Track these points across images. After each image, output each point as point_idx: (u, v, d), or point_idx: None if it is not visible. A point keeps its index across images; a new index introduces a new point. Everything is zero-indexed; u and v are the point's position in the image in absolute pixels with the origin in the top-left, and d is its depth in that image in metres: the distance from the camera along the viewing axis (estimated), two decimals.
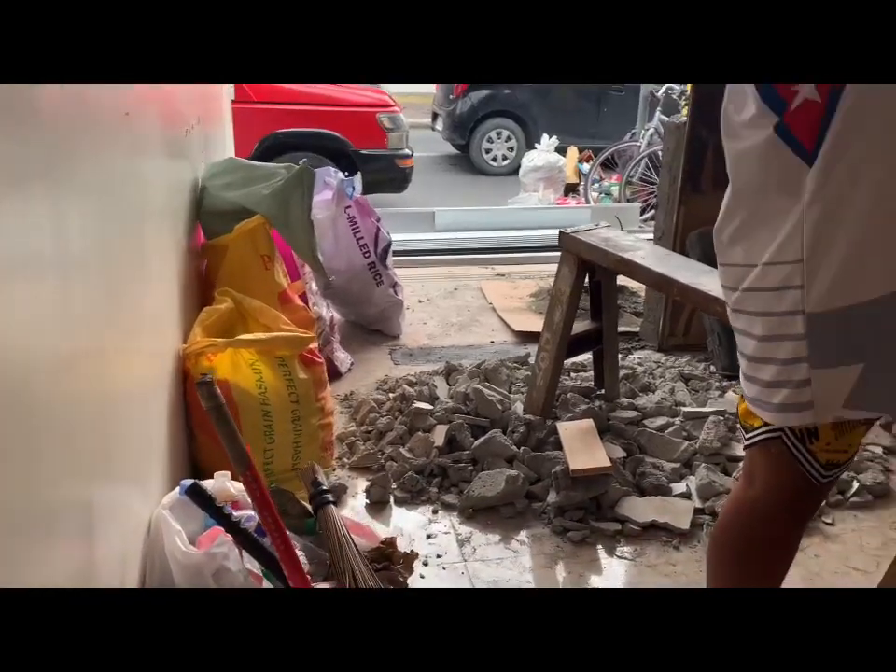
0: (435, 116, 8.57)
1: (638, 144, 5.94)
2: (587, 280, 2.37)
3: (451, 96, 7.98)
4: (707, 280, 1.95)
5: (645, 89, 6.37)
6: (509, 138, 7.95)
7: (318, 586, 1.38)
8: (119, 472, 1.33)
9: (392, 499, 2.11)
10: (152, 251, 1.68)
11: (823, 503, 1.97)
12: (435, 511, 2.07)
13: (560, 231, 2.31)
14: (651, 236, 3.27)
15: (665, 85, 5.84)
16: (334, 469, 2.21)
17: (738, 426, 2.32)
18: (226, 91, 3.75)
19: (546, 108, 7.80)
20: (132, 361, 1.45)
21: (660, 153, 4.06)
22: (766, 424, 1.17)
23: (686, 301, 2.08)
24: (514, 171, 6.81)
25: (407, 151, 5.75)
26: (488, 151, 7.97)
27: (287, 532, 1.41)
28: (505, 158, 7.95)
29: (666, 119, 4.78)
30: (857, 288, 1.00)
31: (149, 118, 1.71)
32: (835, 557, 1.94)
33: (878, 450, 2.36)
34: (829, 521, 2.07)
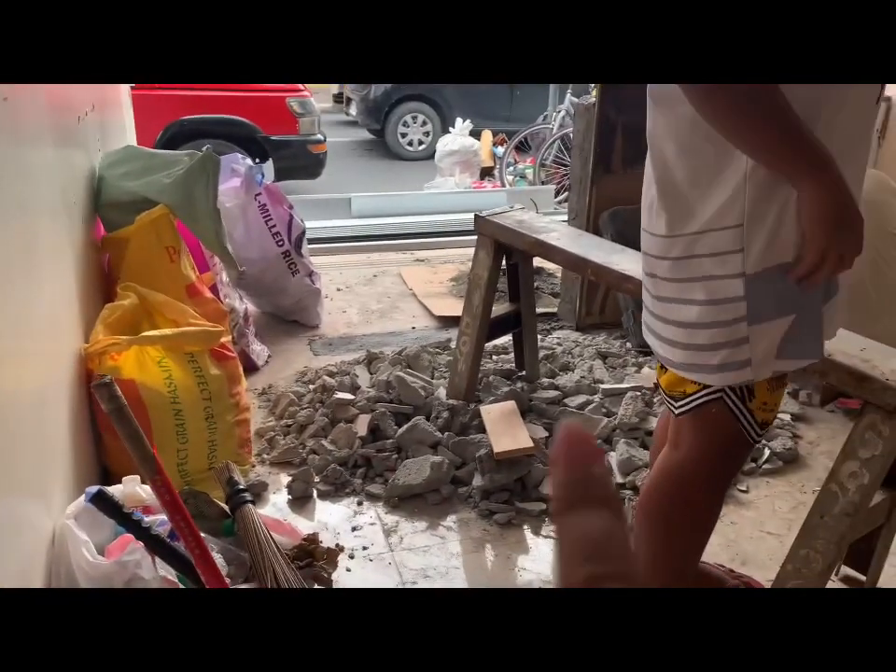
0: (348, 100, 8.42)
1: (550, 126, 5.99)
2: (504, 263, 2.37)
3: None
4: (619, 259, 1.97)
5: None
6: (424, 122, 7.89)
7: (238, 588, 1.33)
8: (15, 483, 1.24)
9: (315, 493, 2.06)
10: (44, 247, 1.58)
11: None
12: (360, 503, 2.04)
13: (475, 215, 2.30)
14: (566, 217, 3.31)
15: None
16: (254, 466, 2.15)
17: (657, 399, 2.37)
18: None
19: (460, 92, 7.77)
20: (24, 365, 1.36)
21: (571, 135, 4.10)
22: (703, 388, 1.20)
23: (600, 280, 2.10)
24: (431, 155, 6.76)
25: (319, 136, 5.63)
26: (404, 136, 7.90)
27: (204, 535, 1.36)
28: (421, 142, 7.89)
29: (577, 100, 4.83)
30: (787, 246, 1.07)
31: (33, 103, 1.59)
32: (750, 523, 2.01)
33: (787, 417, 2.45)
34: (743, 488, 2.14)
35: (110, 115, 2.83)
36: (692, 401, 1.23)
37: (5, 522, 1.16)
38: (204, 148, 2.18)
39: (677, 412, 1.27)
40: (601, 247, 2.11)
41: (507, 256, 2.35)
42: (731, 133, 1.03)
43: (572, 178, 3.23)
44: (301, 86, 5.72)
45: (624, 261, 1.95)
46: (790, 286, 1.09)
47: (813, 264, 1.06)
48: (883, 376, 1.44)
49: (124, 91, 3.45)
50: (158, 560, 1.32)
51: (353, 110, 8.25)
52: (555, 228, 2.19)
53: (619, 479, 2.12)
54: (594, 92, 3.19)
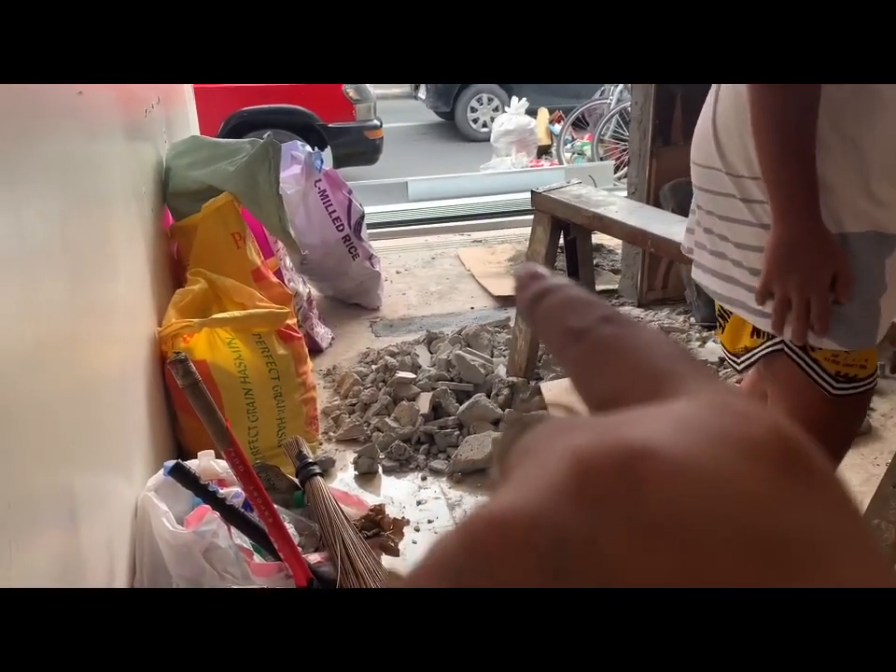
0: (416, 85, 8.49)
1: (608, 101, 5.90)
2: (562, 239, 2.37)
3: None
4: (680, 230, 1.94)
5: None
6: (491, 101, 7.87)
7: (309, 557, 1.38)
8: (101, 458, 1.32)
9: (380, 469, 2.11)
10: (119, 235, 1.66)
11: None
12: (424, 478, 2.08)
13: (532, 191, 2.30)
14: (626, 193, 3.27)
15: None
16: (321, 444, 2.21)
17: (723, 374, 2.34)
18: None
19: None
20: (105, 347, 1.44)
21: (629, 109, 4.04)
22: (763, 341, 1.17)
23: (661, 253, 2.08)
24: None
25: (376, 122, 5.68)
26: (474, 119, 7.91)
27: (276, 506, 1.42)
28: (491, 121, 7.90)
29: None
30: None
31: (104, 98, 1.67)
32: None
33: None
34: None
35: (174, 108, 2.93)
36: (752, 355, 1.20)
37: (93, 493, 1.24)
38: (266, 136, 2.24)
39: (739, 367, 1.25)
40: (661, 219, 2.09)
41: (564, 232, 2.35)
42: (756, 131, 1.05)
43: (631, 152, 3.19)
44: None
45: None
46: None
47: (761, 296, 1.10)
48: None
49: (188, 87, 3.56)
50: (233, 530, 1.38)
51: (421, 94, 8.30)
52: (613, 201, 2.17)
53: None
54: None
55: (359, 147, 5.66)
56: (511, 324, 2.70)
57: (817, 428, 1.18)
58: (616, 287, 3.29)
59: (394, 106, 9.68)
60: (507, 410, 2.23)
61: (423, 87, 8.23)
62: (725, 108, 1.12)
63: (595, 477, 0.15)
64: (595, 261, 3.62)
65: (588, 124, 6.38)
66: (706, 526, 0.14)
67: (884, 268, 1.09)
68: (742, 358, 1.23)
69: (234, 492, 1.43)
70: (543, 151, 6.42)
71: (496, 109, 7.66)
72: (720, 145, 1.13)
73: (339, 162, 5.56)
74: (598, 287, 3.29)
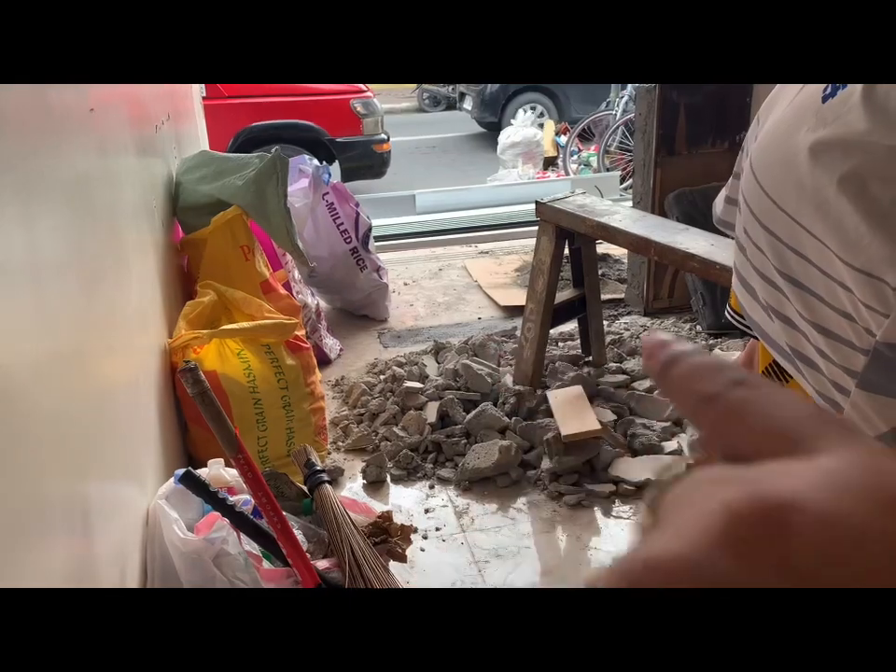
0: (462, 95, 8.64)
1: (614, 112, 5.93)
2: (567, 249, 2.39)
3: None
4: (683, 238, 1.97)
5: None
6: (542, 114, 7.95)
7: (318, 563, 1.40)
8: (113, 467, 1.34)
9: (389, 478, 2.13)
10: (130, 249, 1.69)
11: None
12: (432, 486, 2.10)
13: (536, 202, 2.33)
14: (631, 203, 3.29)
15: None
16: (329, 453, 2.23)
17: None
18: (196, 88, 3.73)
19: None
20: (117, 358, 1.47)
21: (635, 119, 4.06)
22: None
23: (664, 261, 2.10)
24: None
25: (383, 136, 5.72)
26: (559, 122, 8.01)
27: (285, 513, 1.43)
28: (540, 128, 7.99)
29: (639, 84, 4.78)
30: None
31: (116, 115, 1.71)
32: None
33: None
34: None
35: (184, 124, 2.98)
36: None
37: (106, 501, 1.26)
38: (273, 150, 2.28)
39: None
40: (664, 227, 2.11)
41: (569, 241, 2.37)
42: None
43: (635, 162, 3.21)
44: (363, 87, 5.84)
45: (689, 241, 1.94)
46: None
47: None
48: None
49: (196, 101, 3.61)
50: (243, 536, 1.40)
51: (467, 105, 8.42)
52: (617, 210, 2.19)
53: (690, 460, 2.11)
54: None
55: (367, 161, 5.71)
56: (518, 334, 2.72)
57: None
58: (622, 296, 3.30)
59: (435, 118, 9.88)
60: (514, 418, 2.25)
61: (468, 98, 8.38)
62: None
63: (746, 528, 0.16)
64: (601, 271, 3.64)
65: (594, 135, 6.42)
66: (851, 580, 0.15)
67: None
68: None
69: (244, 499, 1.45)
70: (550, 163, 6.46)
71: (541, 115, 7.73)
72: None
73: (347, 176, 5.61)
74: (605, 297, 3.31)
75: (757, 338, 1.08)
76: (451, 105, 11.01)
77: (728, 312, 1.33)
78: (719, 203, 1.20)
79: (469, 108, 8.33)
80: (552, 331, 2.89)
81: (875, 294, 0.83)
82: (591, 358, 2.60)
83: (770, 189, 0.94)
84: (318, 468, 1.55)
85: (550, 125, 6.70)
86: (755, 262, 1.02)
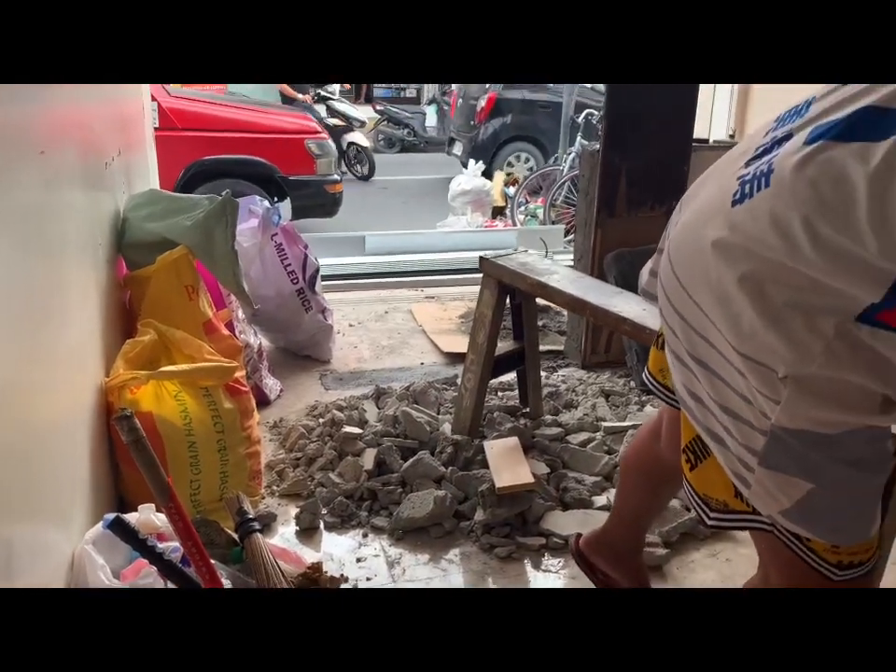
0: (452, 140, 8.98)
1: (561, 168, 6.13)
2: (510, 302, 2.46)
3: (472, 122, 8.40)
4: (618, 301, 2.05)
5: (566, 115, 6.59)
6: (528, 160, 8.23)
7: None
8: (40, 509, 1.32)
9: (322, 525, 2.13)
10: (72, 284, 1.68)
11: None
12: (365, 535, 2.10)
13: (480, 257, 2.40)
14: (572, 258, 3.40)
15: (587, 110, 6.06)
16: (263, 498, 2.22)
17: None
18: (149, 119, 3.73)
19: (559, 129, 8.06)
20: (51, 396, 1.45)
21: None
22: (748, 514, 1.04)
23: (599, 322, 2.18)
24: None
25: (336, 177, 5.80)
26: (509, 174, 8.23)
27: (214, 562, 1.43)
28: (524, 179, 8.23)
29: (586, 143, 4.97)
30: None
31: (67, 153, 1.71)
32: (746, 560, 2.05)
33: None
34: None
35: (135, 157, 2.97)
36: (732, 521, 1.06)
37: (28, 544, 1.24)
38: (224, 193, 2.30)
39: (708, 522, 1.09)
40: (600, 290, 2.19)
41: (511, 296, 2.44)
42: None
43: (578, 221, 3.33)
44: (319, 128, 5.91)
45: (622, 304, 2.02)
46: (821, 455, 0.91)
47: None
48: None
49: (148, 131, 3.61)
50: (170, 584, 1.39)
51: (456, 150, 8.72)
52: (557, 270, 2.27)
53: None
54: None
55: (319, 200, 5.76)
56: (459, 382, 2.76)
57: None
58: (562, 347, 3.39)
59: (390, 159, 9.99)
60: (450, 468, 2.28)
61: (458, 143, 8.68)
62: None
63: None
64: (542, 322, 3.73)
65: (542, 189, 6.61)
66: None
67: (885, 459, 0.97)
68: (715, 515, 1.08)
69: (172, 546, 1.44)
70: (498, 212, 6.61)
71: (529, 168, 7.97)
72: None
73: (298, 214, 5.64)
74: (544, 348, 3.39)
75: (677, 405, 1.15)
76: (405, 147, 11.21)
77: (646, 375, 1.40)
78: (644, 274, 1.27)
79: (459, 153, 8.61)
80: (491, 382, 2.95)
81: (765, 381, 0.90)
82: (528, 410, 2.66)
83: (682, 277, 1.02)
84: (250, 516, 1.55)
85: (500, 176, 6.87)
86: (670, 343, 1.09)
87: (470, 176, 6.36)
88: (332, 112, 8.96)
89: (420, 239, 5.23)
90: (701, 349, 0.99)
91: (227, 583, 1.43)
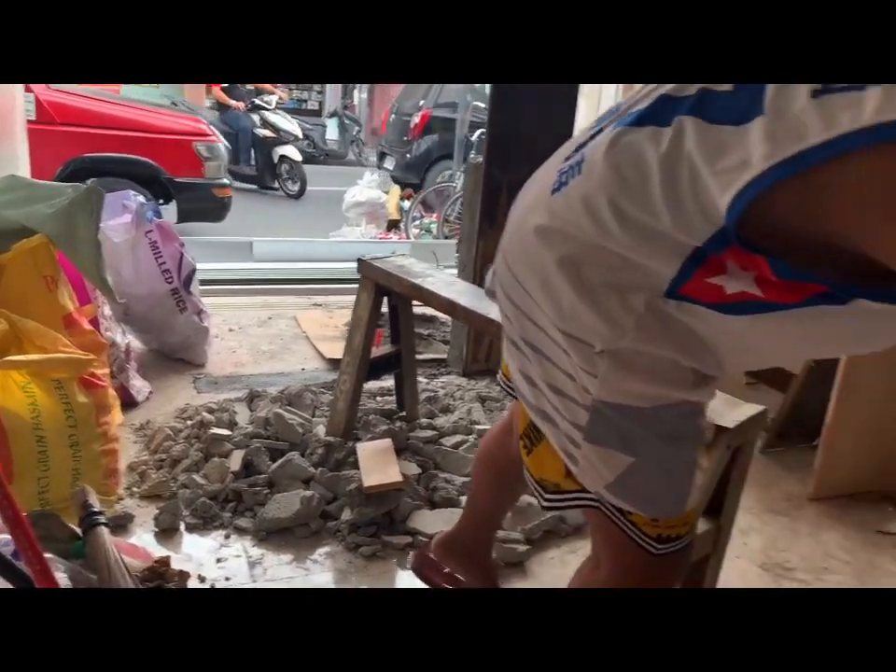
0: (383, 155, 8.95)
1: (454, 184, 6.23)
2: (387, 306, 2.47)
3: (405, 138, 8.31)
4: (488, 304, 2.10)
5: (460, 133, 6.72)
6: (460, 178, 8.23)
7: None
8: None
9: (183, 526, 2.06)
10: None
11: None
12: (227, 536, 2.05)
13: (359, 259, 2.40)
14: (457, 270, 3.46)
15: (480, 130, 6.20)
16: (122, 499, 2.13)
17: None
18: (21, 110, 3.54)
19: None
20: None
21: None
22: (577, 491, 1.09)
23: (469, 324, 2.23)
24: None
25: (225, 181, 5.68)
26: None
27: (53, 556, 1.36)
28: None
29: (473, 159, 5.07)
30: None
31: None
32: None
33: None
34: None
35: (2, 148, 2.82)
36: (564, 501, 1.11)
37: None
38: (90, 181, 2.21)
39: (544, 504, 1.14)
40: (474, 294, 2.24)
41: (388, 299, 2.45)
42: None
43: (462, 232, 3.39)
44: (209, 130, 5.78)
45: (492, 308, 2.07)
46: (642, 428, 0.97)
47: None
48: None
49: (20, 123, 3.43)
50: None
51: (388, 164, 8.68)
52: (433, 274, 2.31)
53: None
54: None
55: (207, 204, 5.63)
56: None
57: (641, 583, 1.11)
58: (445, 356, 3.43)
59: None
60: (320, 469, 2.26)
61: (389, 158, 8.65)
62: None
63: None
64: (428, 332, 3.77)
65: (437, 204, 6.70)
66: None
67: (697, 434, 1.04)
68: (549, 496, 1.13)
69: (4, 539, 1.36)
70: (393, 225, 6.64)
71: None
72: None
73: (184, 217, 5.49)
74: (429, 356, 3.43)
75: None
76: (305, 158, 11.11)
77: (499, 376, 1.45)
78: (488, 276, 1.31)
79: (391, 168, 8.62)
80: (370, 386, 2.95)
81: (585, 358, 0.95)
82: (404, 413, 2.67)
83: (512, 266, 1.07)
84: (95, 509, 1.49)
85: (395, 190, 6.92)
86: (507, 330, 1.13)
87: (365, 188, 6.37)
88: (264, 123, 8.65)
89: (310, 247, 5.19)
90: (531, 332, 1.04)
91: (63, 578, 1.36)
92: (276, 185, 8.52)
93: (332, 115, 9.16)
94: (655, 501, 1.03)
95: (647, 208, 0.83)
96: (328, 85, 15.21)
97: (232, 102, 8.64)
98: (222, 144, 5.80)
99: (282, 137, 8.54)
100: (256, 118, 8.61)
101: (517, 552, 2.03)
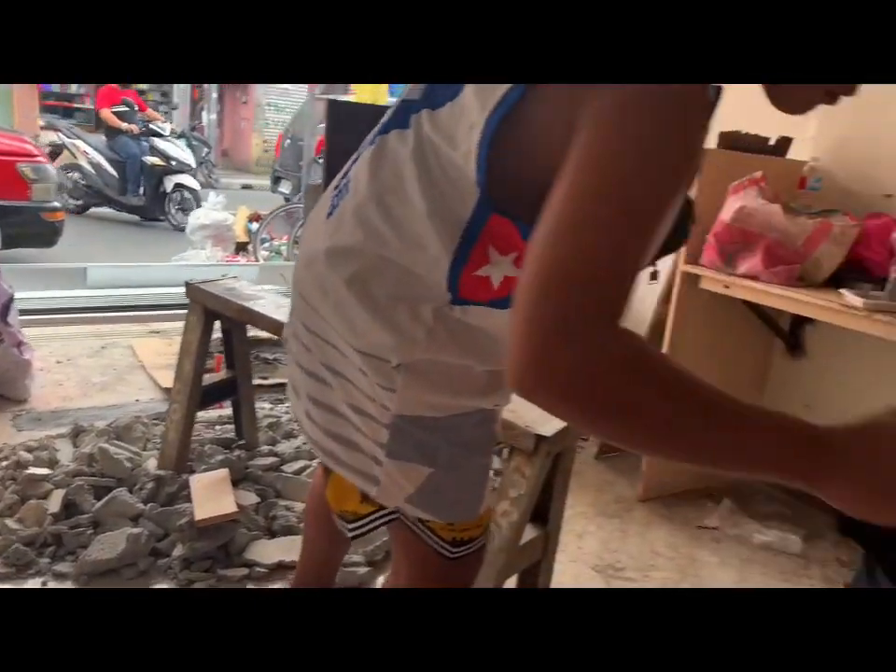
0: (278, 179, 8.68)
1: (302, 205, 6.17)
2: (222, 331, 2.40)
3: (300, 163, 7.97)
4: None
5: (307, 155, 6.67)
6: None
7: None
8: None
9: None
10: None
11: None
12: (45, 584, 1.90)
13: (186, 283, 2.32)
14: None
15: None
16: None
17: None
18: None
19: None
20: None
21: None
22: (375, 511, 1.11)
23: None
24: None
25: (55, 204, 5.33)
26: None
27: None
28: None
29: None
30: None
31: None
32: None
33: None
34: None
35: None
36: (365, 524, 1.13)
37: None
38: None
39: (350, 534, 1.16)
40: None
41: (222, 323, 2.38)
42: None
43: None
44: (35, 151, 5.42)
45: None
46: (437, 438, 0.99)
47: None
48: (524, 424, 1.65)
49: None
50: None
51: (283, 188, 8.40)
52: (263, 296, 2.26)
53: None
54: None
55: (35, 228, 5.26)
56: None
57: (438, 586, 1.14)
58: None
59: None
60: (150, 504, 2.14)
61: (284, 182, 8.38)
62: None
63: None
64: (274, 356, 3.69)
65: (287, 225, 6.61)
66: None
67: (491, 441, 1.07)
68: (352, 525, 1.14)
69: None
70: (241, 248, 6.48)
71: None
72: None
73: (9, 243, 5.10)
74: (275, 381, 3.35)
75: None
76: None
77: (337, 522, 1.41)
78: (286, 327, 1.30)
79: (287, 191, 8.36)
80: (209, 414, 2.85)
81: (382, 374, 0.97)
82: (244, 441, 2.59)
83: (307, 297, 1.07)
84: None
85: (243, 211, 6.76)
86: (302, 362, 1.12)
87: (210, 210, 6.18)
88: (153, 150, 7.87)
89: (151, 272, 4.96)
90: (331, 356, 1.04)
91: None
92: (163, 217, 7.92)
93: (180, 136, 8.81)
94: (452, 507, 1.06)
95: (409, 204, 0.88)
96: (178, 104, 14.68)
97: (123, 125, 7.89)
98: (50, 165, 5.44)
99: (173, 166, 7.91)
100: (146, 144, 7.92)
101: (357, 574, 2.01)
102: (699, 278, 2.47)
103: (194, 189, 7.82)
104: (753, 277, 2.29)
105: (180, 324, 4.08)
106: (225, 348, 2.49)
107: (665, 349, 2.57)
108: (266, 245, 6.30)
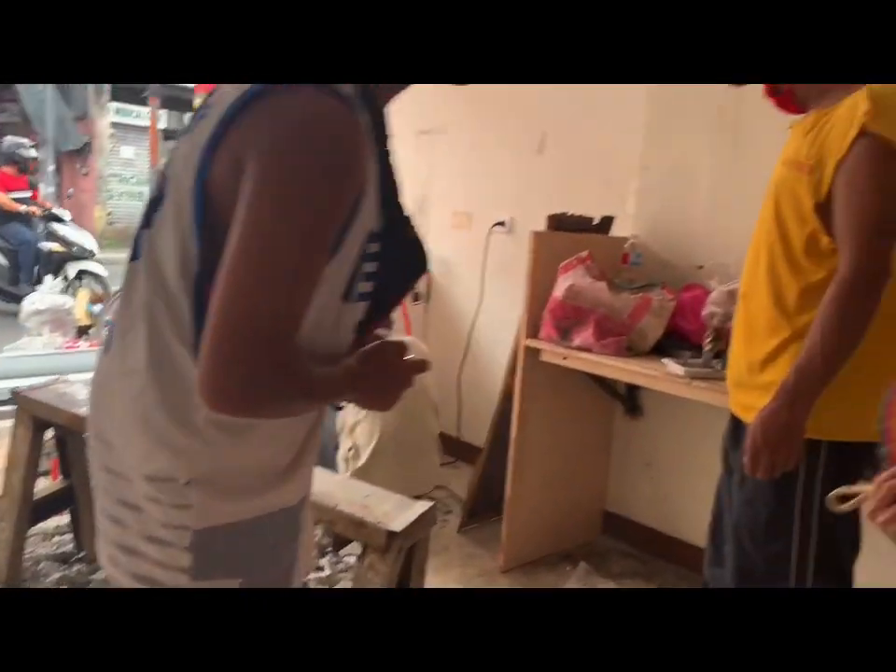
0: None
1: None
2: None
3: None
4: None
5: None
6: None
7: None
8: None
9: None
10: None
11: None
12: None
13: (12, 391, 2.17)
14: None
15: None
16: None
17: None
18: None
19: None
20: None
21: None
22: None
23: None
24: None
25: None
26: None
27: None
28: None
29: None
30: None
31: None
32: None
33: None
34: None
35: None
36: None
37: None
38: None
39: None
40: None
41: (55, 429, 2.24)
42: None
43: None
44: None
45: None
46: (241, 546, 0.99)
47: None
48: (376, 520, 1.65)
49: None
50: None
51: None
52: None
53: None
54: None
55: None
56: None
57: None
58: None
59: None
60: None
61: None
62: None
63: None
64: None
65: None
66: None
67: (296, 535, 1.06)
68: None
69: None
70: (84, 331, 6.12)
71: None
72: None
73: None
74: None
75: None
76: None
77: None
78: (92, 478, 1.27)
79: None
80: (46, 525, 2.64)
81: (175, 494, 0.95)
82: (84, 553, 2.42)
83: (101, 434, 1.03)
84: None
85: (84, 293, 6.42)
86: (104, 506, 1.08)
87: (46, 294, 5.82)
88: (51, 236, 7.12)
89: None
90: (125, 491, 1.00)
91: None
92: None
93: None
94: None
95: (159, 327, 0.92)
96: None
97: (21, 207, 7.10)
98: None
99: (74, 252, 7.18)
100: (41, 229, 7.18)
101: None
102: (539, 351, 2.60)
103: (101, 277, 7.24)
104: (587, 349, 2.44)
105: (9, 423, 3.81)
106: (60, 456, 2.33)
107: (514, 419, 2.67)
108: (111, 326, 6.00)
